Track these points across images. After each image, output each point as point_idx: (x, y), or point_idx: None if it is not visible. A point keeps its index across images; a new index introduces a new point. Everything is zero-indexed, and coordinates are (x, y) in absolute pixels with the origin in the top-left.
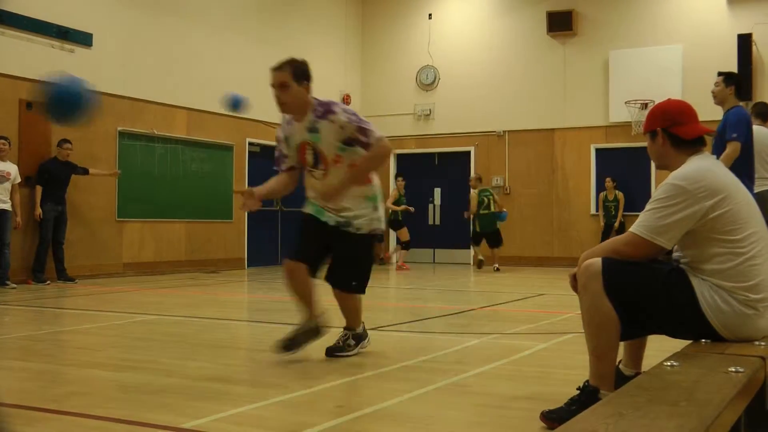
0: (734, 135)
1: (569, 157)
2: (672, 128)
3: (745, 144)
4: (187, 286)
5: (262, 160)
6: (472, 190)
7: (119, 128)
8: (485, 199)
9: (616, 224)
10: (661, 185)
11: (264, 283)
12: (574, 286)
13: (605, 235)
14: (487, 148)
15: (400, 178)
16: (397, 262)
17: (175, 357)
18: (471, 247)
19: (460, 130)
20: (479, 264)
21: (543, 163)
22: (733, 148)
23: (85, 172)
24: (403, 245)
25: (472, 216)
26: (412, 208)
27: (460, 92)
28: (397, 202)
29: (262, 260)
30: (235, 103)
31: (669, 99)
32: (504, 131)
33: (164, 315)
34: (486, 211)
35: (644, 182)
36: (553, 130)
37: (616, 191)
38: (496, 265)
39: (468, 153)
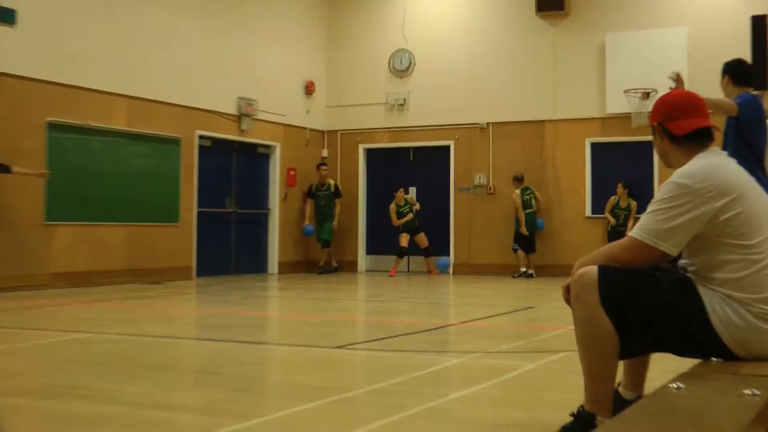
0: (737, 101)
1: (561, 153)
2: (666, 123)
3: (750, 121)
4: (127, 299)
5: (214, 156)
6: (515, 191)
7: (48, 119)
8: (528, 198)
9: (627, 232)
10: (665, 184)
11: (215, 296)
12: (568, 298)
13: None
14: (469, 142)
15: (401, 191)
16: (429, 271)
17: (112, 381)
18: (516, 253)
19: (439, 122)
20: (527, 273)
21: (532, 159)
22: (729, 104)
23: (7, 170)
24: (425, 252)
25: (522, 217)
26: (416, 206)
27: (438, 79)
28: (400, 216)
29: (213, 269)
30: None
31: (674, 90)
32: (488, 123)
33: (99, 333)
34: (530, 210)
35: (646, 181)
36: (543, 122)
37: (630, 199)
38: (532, 271)
39: (447, 148)
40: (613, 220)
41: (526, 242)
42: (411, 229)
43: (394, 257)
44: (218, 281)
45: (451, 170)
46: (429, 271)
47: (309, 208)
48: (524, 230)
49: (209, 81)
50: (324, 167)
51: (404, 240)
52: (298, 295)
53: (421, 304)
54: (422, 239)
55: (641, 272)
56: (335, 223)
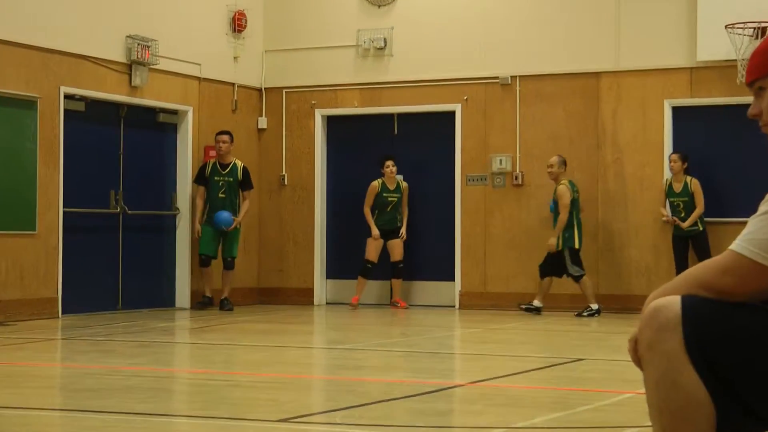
0: None
1: (627, 123)
2: None
3: None
4: None
5: (91, 126)
6: (561, 185)
7: None
8: (577, 197)
9: (686, 223)
10: None
11: (92, 343)
12: (636, 358)
13: (679, 258)
14: (484, 106)
15: (390, 162)
16: (395, 302)
17: None
18: (582, 277)
19: (437, 76)
20: (535, 309)
21: (580, 132)
22: None
23: None
24: (393, 269)
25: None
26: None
27: (436, 9)
28: (380, 205)
29: (89, 303)
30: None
31: None
32: (513, 77)
33: None
34: (581, 215)
35: (759, 167)
36: (597, 74)
37: (687, 177)
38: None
39: (451, 115)
40: (668, 215)
41: (559, 262)
42: (391, 230)
43: (357, 278)
44: (97, 320)
45: (457, 149)
46: (394, 302)
47: (200, 201)
48: (577, 243)
49: (82, 10)
50: (223, 137)
51: (373, 250)
52: (222, 341)
53: (411, 355)
54: (398, 248)
55: (750, 307)
56: (237, 219)
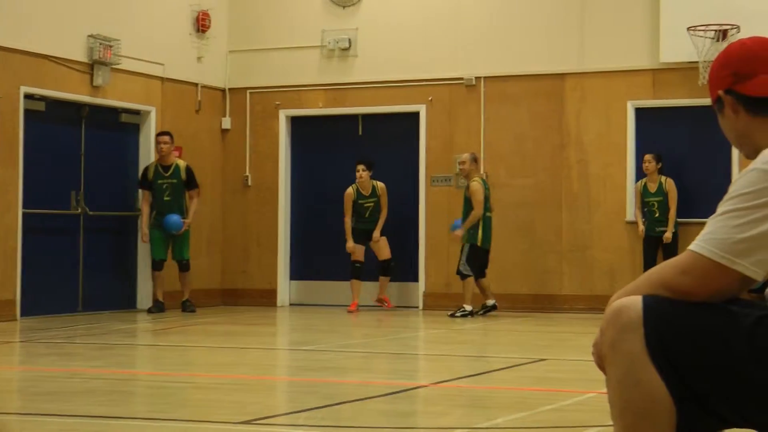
0: None
1: (591, 123)
2: (737, 86)
3: None
4: None
5: (51, 126)
6: (474, 182)
7: None
8: (489, 194)
9: (667, 235)
10: (744, 172)
11: (51, 346)
12: (600, 363)
13: (648, 258)
14: (449, 107)
15: (361, 167)
16: (381, 300)
17: None
18: (468, 278)
19: (402, 77)
20: (491, 308)
21: (545, 133)
22: None
23: None
24: (383, 267)
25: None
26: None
27: (401, 11)
28: (357, 212)
29: (48, 305)
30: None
31: (740, 41)
32: (478, 78)
33: None
34: (490, 214)
35: (721, 166)
36: (562, 75)
37: (662, 177)
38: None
39: (415, 116)
40: (641, 224)
41: (483, 261)
42: (369, 233)
43: (349, 282)
44: (57, 323)
45: (421, 150)
46: (381, 300)
47: (146, 206)
48: (480, 242)
49: (43, 9)
50: (164, 138)
51: (359, 252)
52: (185, 343)
53: (374, 356)
54: (383, 248)
55: (710, 307)
56: (187, 221)
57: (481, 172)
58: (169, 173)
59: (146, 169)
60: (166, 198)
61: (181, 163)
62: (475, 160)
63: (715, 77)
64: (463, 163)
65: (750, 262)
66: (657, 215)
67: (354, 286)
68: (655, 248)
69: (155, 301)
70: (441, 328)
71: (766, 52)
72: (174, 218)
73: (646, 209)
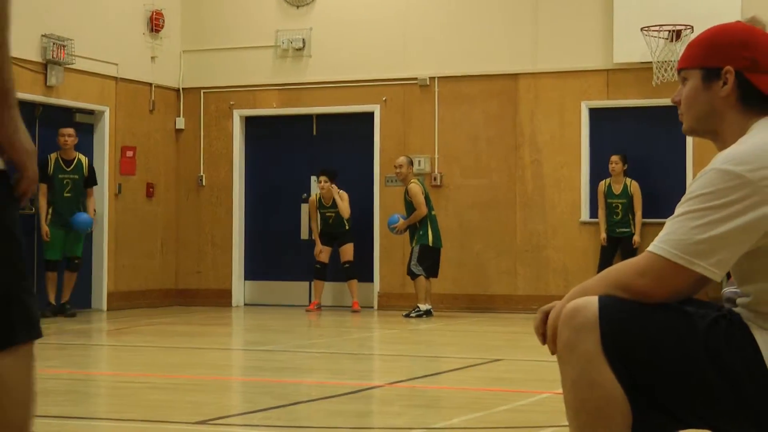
0: None
1: (545, 124)
2: (750, 72)
3: None
4: None
5: None
6: (412, 184)
7: None
8: (427, 194)
9: (636, 238)
10: (703, 173)
11: None
12: (545, 335)
13: (605, 258)
14: (403, 107)
15: (323, 179)
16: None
17: None
18: (419, 277)
19: (356, 77)
20: (427, 312)
21: (499, 133)
22: None
23: None
24: (346, 270)
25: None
26: (345, 207)
27: (354, 10)
28: (322, 219)
29: None
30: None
31: (737, 22)
32: (431, 78)
33: None
34: (434, 213)
35: (676, 166)
36: (516, 76)
37: (627, 179)
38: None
39: (370, 116)
40: (603, 232)
41: (435, 260)
42: (335, 235)
43: (309, 282)
44: None
45: (376, 150)
46: (353, 305)
47: (43, 201)
48: (430, 241)
49: None
50: (68, 130)
51: (325, 253)
52: (140, 343)
53: (330, 356)
54: (348, 251)
55: (666, 308)
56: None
57: (435, 175)
58: (71, 168)
59: (45, 161)
60: (66, 194)
61: (84, 159)
62: (411, 163)
63: (727, 50)
64: (400, 166)
65: (709, 263)
66: (619, 217)
67: (316, 286)
68: (613, 249)
69: (50, 304)
70: (396, 328)
71: None
72: (83, 217)
73: (608, 210)
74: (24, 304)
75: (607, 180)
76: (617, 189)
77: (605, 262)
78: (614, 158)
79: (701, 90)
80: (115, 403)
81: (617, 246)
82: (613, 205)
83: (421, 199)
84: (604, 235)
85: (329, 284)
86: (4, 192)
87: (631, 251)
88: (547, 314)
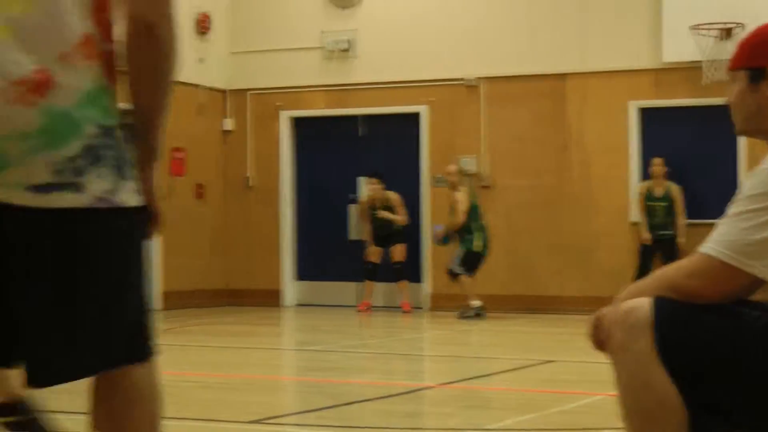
0: None
1: (593, 124)
2: None
3: None
4: None
5: None
6: (459, 192)
7: None
8: (475, 202)
9: (681, 239)
10: (755, 172)
11: None
12: (598, 337)
13: (645, 260)
14: (450, 108)
15: (375, 181)
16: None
17: None
18: (460, 276)
19: (402, 77)
20: (479, 312)
21: (546, 134)
22: None
23: None
24: (396, 271)
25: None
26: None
27: (401, 12)
28: (373, 219)
29: None
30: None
31: None
32: (479, 79)
33: None
34: (483, 222)
35: (727, 166)
36: (563, 76)
37: (668, 182)
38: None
39: (416, 116)
40: (645, 232)
41: (476, 265)
42: (386, 236)
43: (358, 283)
44: None
45: (422, 151)
46: (403, 306)
47: None
48: (478, 247)
49: None
50: None
51: (375, 254)
52: (192, 343)
53: (382, 356)
54: (399, 252)
55: (720, 309)
56: None
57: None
58: None
59: None
60: None
61: None
62: (462, 171)
63: (738, 54)
64: (452, 174)
65: (762, 264)
66: (660, 219)
67: (368, 288)
68: (653, 251)
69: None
70: (446, 329)
71: None
72: None
73: (648, 213)
74: (149, 324)
75: (648, 182)
76: (659, 192)
77: (645, 263)
78: (656, 161)
79: (748, 91)
80: (169, 402)
81: (657, 248)
82: (654, 207)
83: (461, 207)
84: (647, 235)
85: (380, 285)
86: (139, 227)
87: (671, 254)
88: (599, 320)
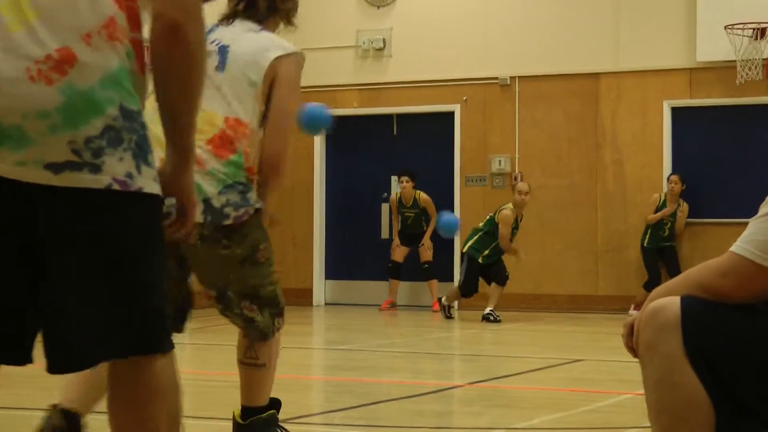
0: None
1: (627, 123)
2: None
3: None
4: None
5: None
6: (507, 205)
7: None
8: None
9: (671, 243)
10: None
11: None
12: (632, 344)
13: (651, 266)
14: (483, 106)
15: (405, 179)
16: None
17: None
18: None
19: (436, 76)
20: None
21: (580, 133)
22: None
23: None
24: (425, 270)
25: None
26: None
27: (435, 11)
28: (401, 218)
29: None
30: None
31: None
32: (512, 78)
33: None
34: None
35: (759, 166)
36: (597, 75)
37: (681, 200)
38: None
39: (450, 115)
40: (647, 243)
41: (476, 275)
42: (414, 235)
43: (387, 282)
44: None
45: (456, 150)
46: (433, 305)
47: None
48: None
49: None
50: None
51: (400, 252)
52: (221, 342)
53: (410, 355)
54: (426, 252)
55: (750, 309)
56: None
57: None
58: None
59: None
60: None
61: None
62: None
63: None
64: (527, 193)
65: None
66: (666, 234)
67: (393, 287)
68: (656, 259)
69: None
70: (475, 328)
71: None
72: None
73: (657, 224)
74: (169, 317)
75: (663, 194)
76: (672, 208)
77: (653, 271)
78: (674, 178)
79: None
80: (197, 401)
81: (659, 257)
82: (665, 222)
83: (507, 231)
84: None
85: (407, 284)
86: (156, 215)
87: (673, 261)
88: (632, 326)
